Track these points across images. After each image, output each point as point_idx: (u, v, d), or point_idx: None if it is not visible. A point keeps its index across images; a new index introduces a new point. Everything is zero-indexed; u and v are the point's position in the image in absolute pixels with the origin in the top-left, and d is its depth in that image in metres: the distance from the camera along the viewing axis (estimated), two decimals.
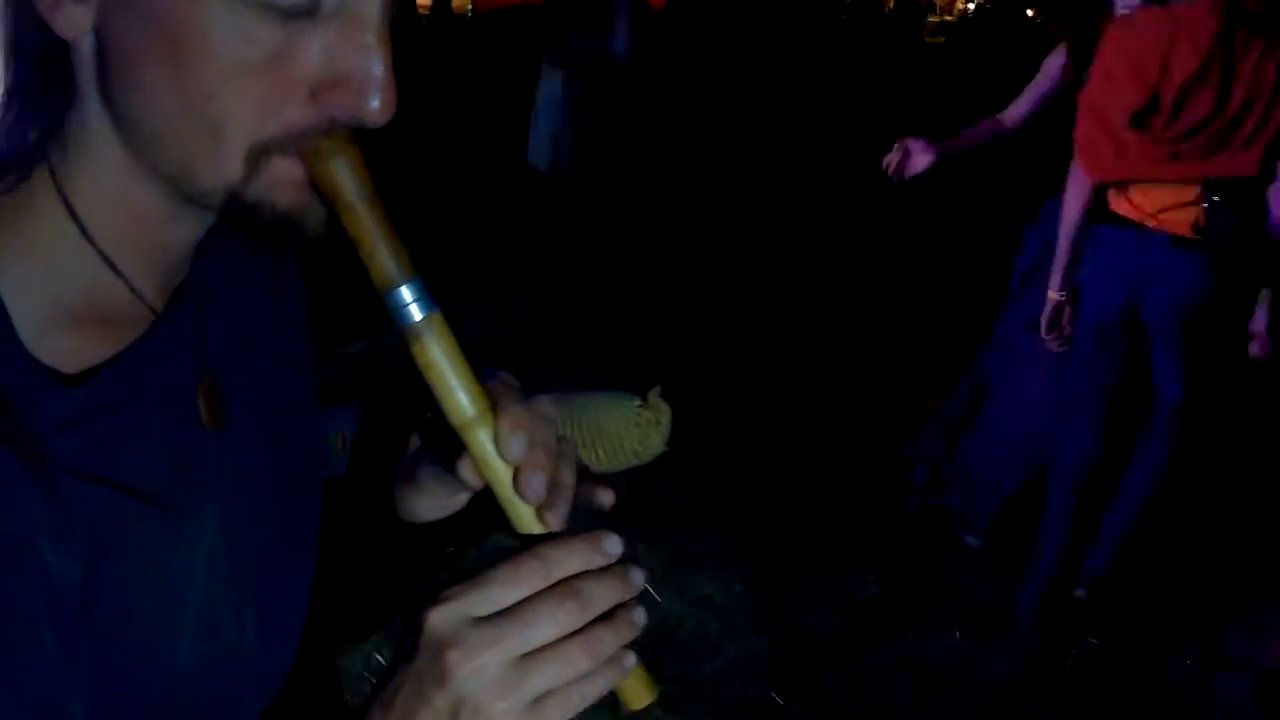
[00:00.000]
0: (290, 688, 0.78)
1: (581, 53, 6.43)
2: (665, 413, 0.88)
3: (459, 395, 0.64)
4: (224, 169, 0.61)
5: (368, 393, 0.93)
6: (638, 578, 0.63)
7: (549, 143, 6.44)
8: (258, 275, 0.83)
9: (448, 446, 0.70)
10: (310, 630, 0.81)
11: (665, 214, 6.14)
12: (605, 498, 0.71)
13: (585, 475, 0.70)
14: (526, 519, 0.65)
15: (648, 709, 0.66)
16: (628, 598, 0.63)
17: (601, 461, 0.95)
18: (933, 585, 3.18)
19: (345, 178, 0.61)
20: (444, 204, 5.73)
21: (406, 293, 0.62)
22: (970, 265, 5.05)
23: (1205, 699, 2.77)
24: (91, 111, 0.63)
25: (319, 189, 0.62)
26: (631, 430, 0.86)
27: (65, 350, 0.64)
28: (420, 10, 13.18)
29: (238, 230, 0.66)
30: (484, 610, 0.60)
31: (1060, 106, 2.99)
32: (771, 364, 4.47)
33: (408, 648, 0.61)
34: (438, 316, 0.63)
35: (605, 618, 0.62)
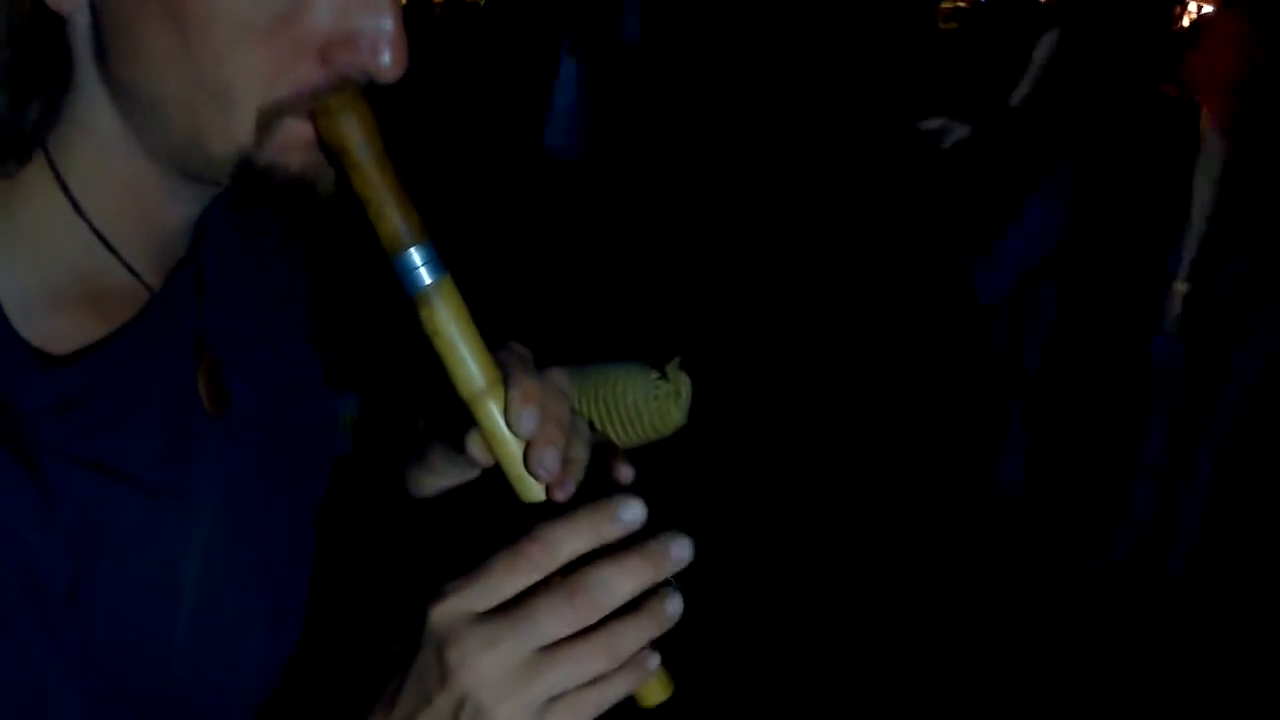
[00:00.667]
0: (292, 677, 0.76)
1: (598, 38, 6.41)
2: (685, 384, 0.84)
3: (468, 365, 0.61)
4: (235, 134, 0.59)
5: (372, 372, 0.91)
6: (679, 551, 0.56)
7: (564, 125, 6.43)
8: (260, 255, 0.81)
9: (456, 422, 0.67)
10: (313, 617, 0.79)
11: (680, 198, 6.10)
12: (624, 472, 0.66)
13: (605, 450, 0.67)
14: (536, 497, 0.62)
15: (661, 706, 0.62)
16: (658, 580, 0.56)
17: (618, 437, 0.91)
18: (949, 571, 3.16)
19: (354, 135, 0.60)
20: (459, 191, 5.71)
21: (416, 255, 0.60)
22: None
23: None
24: (89, 88, 0.62)
25: (327, 148, 0.61)
26: (650, 403, 0.81)
27: (57, 331, 0.62)
28: None
29: (247, 199, 0.64)
30: (486, 604, 0.56)
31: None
32: (788, 347, 4.45)
33: (411, 645, 0.57)
34: (448, 281, 0.61)
35: (631, 607, 0.56)
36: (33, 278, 0.62)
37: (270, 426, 0.76)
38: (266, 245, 0.82)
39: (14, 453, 0.57)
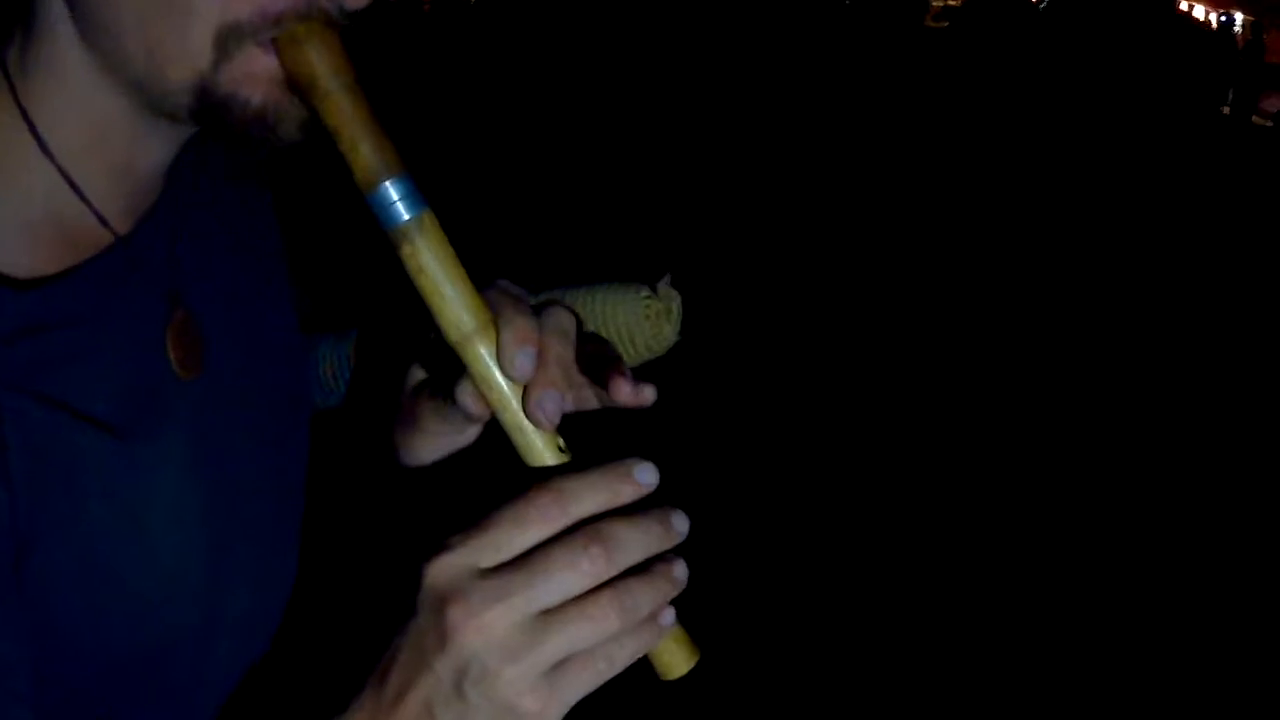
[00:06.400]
0: (279, 651, 0.72)
1: None
2: (675, 300, 0.81)
3: (455, 305, 0.56)
4: (192, 54, 0.57)
5: (359, 321, 0.87)
6: (680, 523, 0.53)
7: None
8: (230, 206, 0.77)
9: (446, 371, 0.62)
10: (300, 588, 0.75)
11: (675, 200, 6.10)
12: (647, 393, 0.60)
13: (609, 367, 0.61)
14: (538, 449, 0.57)
15: (685, 677, 0.57)
16: (666, 547, 0.53)
17: None
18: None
19: (322, 63, 0.56)
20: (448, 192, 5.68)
21: (392, 190, 0.55)
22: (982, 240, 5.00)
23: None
24: (51, 14, 0.60)
25: (295, 82, 0.57)
26: (642, 323, 0.80)
27: (17, 262, 0.59)
28: None
29: (210, 136, 0.62)
30: (491, 560, 0.51)
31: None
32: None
33: (406, 607, 0.53)
34: (429, 216, 0.56)
35: (639, 570, 0.52)
36: None
37: (248, 389, 0.72)
38: (236, 196, 0.78)
39: None
